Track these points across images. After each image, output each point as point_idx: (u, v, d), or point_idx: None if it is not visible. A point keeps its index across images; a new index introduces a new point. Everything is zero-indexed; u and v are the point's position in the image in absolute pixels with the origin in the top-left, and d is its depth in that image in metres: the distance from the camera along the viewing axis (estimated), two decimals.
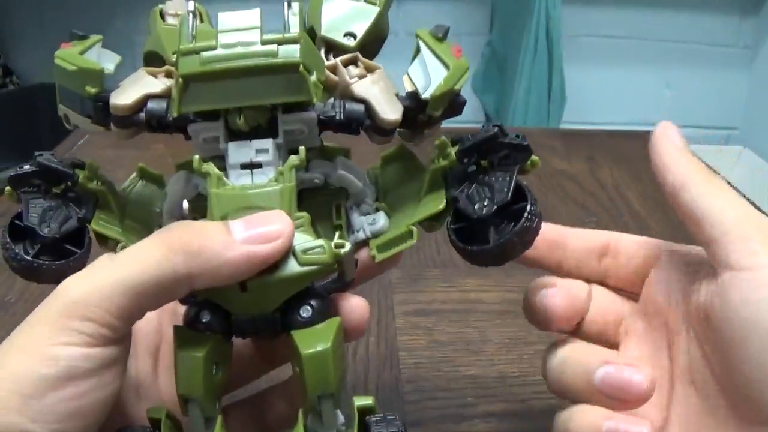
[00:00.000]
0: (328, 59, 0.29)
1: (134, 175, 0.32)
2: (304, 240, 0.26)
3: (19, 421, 0.22)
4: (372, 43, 0.30)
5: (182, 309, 0.28)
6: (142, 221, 0.31)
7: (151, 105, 0.28)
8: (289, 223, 0.25)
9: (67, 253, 0.28)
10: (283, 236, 0.25)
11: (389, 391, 0.43)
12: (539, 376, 0.33)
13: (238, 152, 0.27)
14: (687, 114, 1.80)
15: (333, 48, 0.29)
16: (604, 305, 0.33)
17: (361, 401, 0.27)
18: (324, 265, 0.26)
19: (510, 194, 0.27)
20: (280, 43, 0.25)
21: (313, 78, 0.26)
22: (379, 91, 0.28)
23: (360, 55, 0.29)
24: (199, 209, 0.29)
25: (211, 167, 0.27)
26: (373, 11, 0.30)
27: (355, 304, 0.29)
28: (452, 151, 0.28)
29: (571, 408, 0.29)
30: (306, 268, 0.26)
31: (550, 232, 0.34)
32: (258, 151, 0.27)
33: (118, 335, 0.24)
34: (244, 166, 0.27)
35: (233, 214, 0.26)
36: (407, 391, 0.43)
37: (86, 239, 0.29)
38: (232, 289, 0.26)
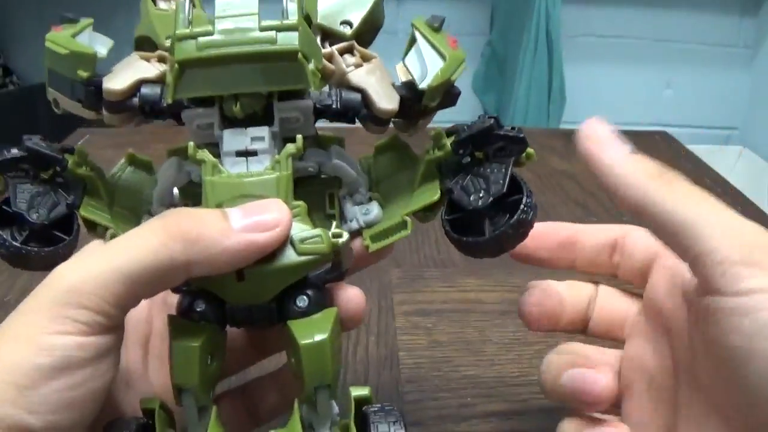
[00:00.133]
0: (324, 47, 0.29)
1: (123, 161, 0.31)
2: (301, 229, 0.26)
3: (14, 413, 0.22)
4: (367, 33, 0.30)
5: (172, 298, 0.28)
6: (131, 208, 0.30)
7: (145, 90, 0.27)
8: (287, 212, 0.25)
9: (55, 239, 0.28)
10: (281, 225, 0.25)
11: (389, 391, 0.43)
12: None
13: (233, 139, 0.27)
14: (687, 114, 1.80)
15: (329, 36, 0.29)
16: (609, 305, 0.33)
17: (358, 391, 0.27)
18: (322, 255, 0.26)
19: (506, 186, 0.27)
20: (278, 29, 0.25)
21: (311, 66, 0.26)
22: (376, 81, 0.28)
23: (356, 44, 0.29)
24: (191, 196, 0.29)
25: (206, 154, 0.26)
26: (370, 0, 0.30)
27: (351, 294, 0.29)
28: (447, 142, 0.28)
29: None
30: (304, 258, 0.26)
31: (561, 232, 0.33)
32: (254, 139, 0.27)
33: (113, 323, 0.24)
34: (240, 154, 0.27)
35: (229, 202, 0.26)
36: (407, 391, 0.43)
37: (75, 226, 0.28)
38: (228, 278, 0.25)
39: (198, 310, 0.27)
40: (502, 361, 0.46)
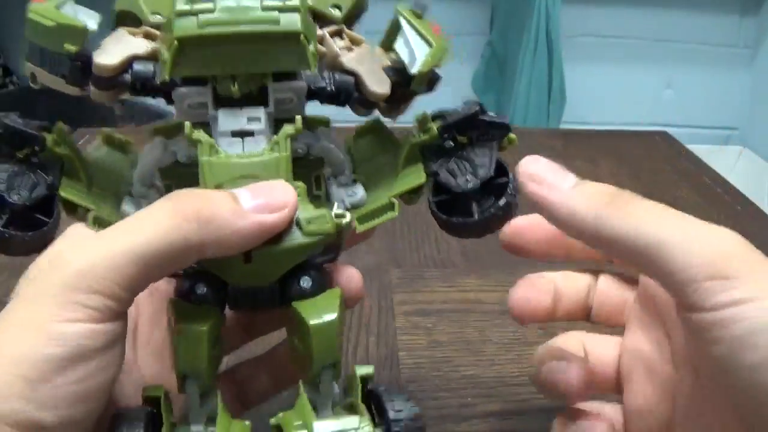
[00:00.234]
0: None
1: (98, 140, 0.30)
2: (305, 210, 0.26)
3: (24, 409, 0.20)
4: (353, 16, 0.30)
5: (159, 283, 0.26)
6: (110, 189, 0.29)
7: (138, 67, 0.27)
8: (293, 193, 0.25)
9: (35, 222, 0.26)
10: (288, 205, 0.25)
11: None
12: None
13: (228, 119, 0.26)
14: (687, 114, 1.80)
15: (319, 18, 0.29)
16: (609, 292, 0.33)
17: (363, 370, 0.27)
18: (327, 235, 0.26)
19: (493, 169, 0.28)
20: (281, 10, 0.25)
21: (312, 48, 0.25)
22: (367, 64, 0.28)
23: (345, 27, 0.29)
24: (174, 176, 0.28)
25: (202, 134, 0.26)
26: None
27: (350, 273, 0.29)
28: (434, 126, 0.29)
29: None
30: (310, 238, 0.26)
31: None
32: (250, 119, 0.26)
33: (122, 309, 0.23)
34: (235, 134, 0.26)
35: (229, 183, 0.25)
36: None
37: (55, 208, 0.27)
38: (234, 259, 0.25)
39: (199, 292, 0.26)
40: (502, 361, 0.46)
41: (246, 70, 0.26)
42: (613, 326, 0.33)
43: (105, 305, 0.22)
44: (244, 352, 0.35)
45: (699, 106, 1.81)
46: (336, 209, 0.28)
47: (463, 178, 0.28)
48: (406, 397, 0.26)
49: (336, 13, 0.29)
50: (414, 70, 0.28)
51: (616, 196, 0.26)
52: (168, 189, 0.28)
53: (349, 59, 0.28)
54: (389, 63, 0.29)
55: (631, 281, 0.33)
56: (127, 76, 0.27)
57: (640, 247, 0.25)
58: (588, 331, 0.34)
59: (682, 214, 0.25)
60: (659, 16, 1.73)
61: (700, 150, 0.92)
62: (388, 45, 0.29)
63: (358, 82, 0.28)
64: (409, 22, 0.28)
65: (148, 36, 0.27)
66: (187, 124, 0.26)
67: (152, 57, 0.27)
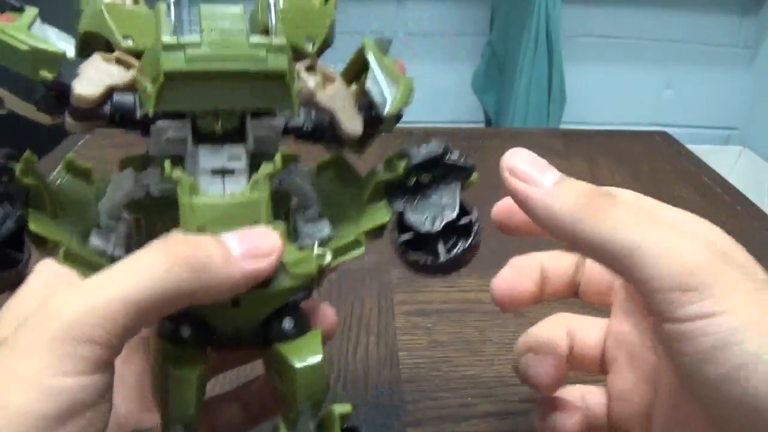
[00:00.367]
0: None
1: (60, 167, 0.29)
2: (289, 252, 0.26)
3: None
4: (321, 51, 0.30)
5: None
6: (75, 218, 0.28)
7: (119, 99, 0.25)
8: (279, 238, 0.25)
9: (5, 258, 0.25)
10: (275, 251, 0.25)
11: (389, 391, 0.43)
12: None
13: (209, 157, 0.25)
14: (687, 114, 1.80)
15: (293, 52, 0.29)
16: (595, 272, 0.33)
17: (341, 408, 0.27)
18: (309, 277, 0.26)
19: (457, 211, 0.29)
20: (268, 49, 0.24)
21: (295, 89, 0.25)
22: (341, 103, 0.28)
23: (318, 61, 0.29)
24: (142, 209, 0.28)
25: (181, 174, 0.25)
26: (328, 17, 0.29)
27: (324, 311, 0.30)
28: (400, 164, 0.29)
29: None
30: (296, 281, 0.26)
31: None
32: (230, 157, 0.26)
33: (112, 357, 0.22)
34: (216, 172, 0.26)
35: (211, 225, 0.25)
36: (407, 391, 0.43)
37: (25, 242, 0.25)
38: (222, 303, 0.25)
39: (184, 336, 0.26)
40: (502, 361, 0.46)
41: (229, 107, 0.25)
42: (601, 306, 0.33)
43: (98, 355, 0.21)
44: (211, 385, 0.34)
45: (699, 106, 1.81)
46: (317, 250, 0.28)
47: (430, 219, 0.29)
48: None
49: (309, 47, 0.29)
50: (385, 111, 0.28)
51: (594, 198, 0.26)
52: (137, 222, 0.28)
53: (324, 97, 0.28)
54: (358, 100, 0.29)
55: None
56: (107, 108, 0.25)
57: (615, 253, 0.24)
58: (578, 312, 0.34)
59: (660, 219, 0.25)
60: (659, 16, 1.73)
61: (700, 150, 0.92)
62: (351, 75, 0.29)
63: (333, 121, 0.28)
64: (376, 58, 0.28)
65: (120, 62, 0.26)
66: (167, 163, 0.25)
67: (130, 87, 0.25)
